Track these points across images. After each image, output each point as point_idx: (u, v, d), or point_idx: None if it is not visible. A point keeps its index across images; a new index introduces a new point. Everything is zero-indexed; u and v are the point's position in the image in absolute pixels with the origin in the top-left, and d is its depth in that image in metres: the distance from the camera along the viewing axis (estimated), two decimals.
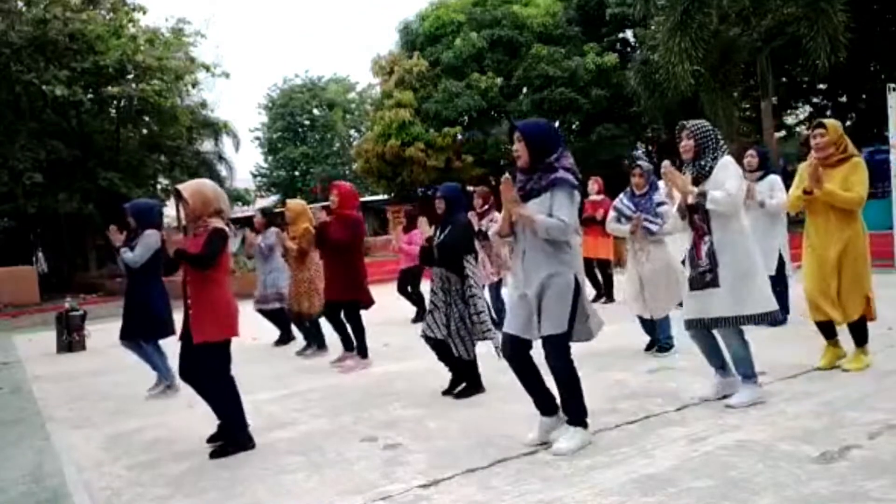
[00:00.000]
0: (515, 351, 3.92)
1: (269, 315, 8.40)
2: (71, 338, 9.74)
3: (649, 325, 6.20)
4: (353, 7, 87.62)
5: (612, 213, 6.23)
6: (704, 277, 4.30)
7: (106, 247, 24.88)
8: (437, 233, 5.44)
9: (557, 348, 3.79)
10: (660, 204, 5.95)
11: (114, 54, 20.28)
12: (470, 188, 8.22)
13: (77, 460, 4.56)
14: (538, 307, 3.80)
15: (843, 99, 23.73)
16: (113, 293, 17.84)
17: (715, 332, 4.49)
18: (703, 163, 4.33)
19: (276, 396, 5.86)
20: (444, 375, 5.43)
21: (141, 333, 6.24)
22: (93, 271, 22.95)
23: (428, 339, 5.34)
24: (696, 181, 4.30)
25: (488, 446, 4.00)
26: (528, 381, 4.00)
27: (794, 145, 24.09)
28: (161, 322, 6.16)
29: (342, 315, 6.64)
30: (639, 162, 6.34)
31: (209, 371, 4.32)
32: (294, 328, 8.17)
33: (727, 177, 4.22)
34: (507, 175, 3.81)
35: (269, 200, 38.38)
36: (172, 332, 5.93)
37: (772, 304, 4.32)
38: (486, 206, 7.86)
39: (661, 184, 6.35)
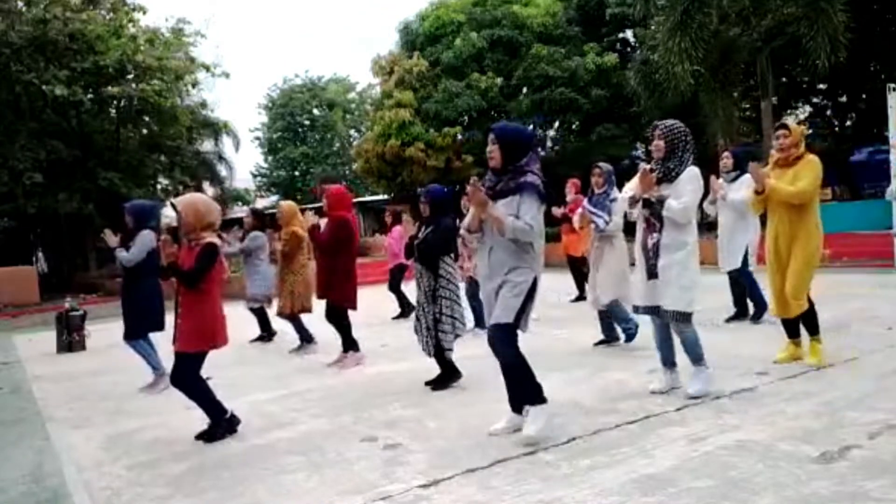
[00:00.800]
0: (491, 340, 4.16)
1: (253, 312, 8.71)
2: (71, 338, 9.75)
3: (606, 325, 6.68)
4: (353, 7, 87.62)
5: (578, 211, 6.87)
6: (653, 270, 4.62)
7: (106, 247, 24.90)
8: (421, 232, 5.64)
9: (505, 335, 4.05)
10: (613, 200, 6.39)
11: (114, 54, 20.27)
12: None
13: (77, 460, 4.56)
14: (495, 298, 4.09)
15: (843, 99, 23.71)
16: (113, 293, 17.82)
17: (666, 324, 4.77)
18: (670, 165, 4.57)
19: (276, 396, 5.86)
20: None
21: (142, 332, 6.44)
22: (93, 271, 22.94)
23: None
24: (660, 181, 4.55)
25: (488, 446, 4.00)
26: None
27: None
28: (154, 317, 6.37)
29: (325, 314, 6.78)
30: (598, 163, 6.84)
31: (184, 374, 4.63)
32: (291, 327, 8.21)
33: (689, 190, 4.50)
34: (474, 178, 4.08)
35: (269, 200, 38.42)
36: (162, 328, 6.29)
37: (691, 306, 4.59)
38: None
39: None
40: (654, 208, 4.58)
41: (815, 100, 24.25)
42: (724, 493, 3.10)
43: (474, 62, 25.34)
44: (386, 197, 28.83)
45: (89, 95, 21.43)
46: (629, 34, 25.55)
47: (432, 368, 5.73)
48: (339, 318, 6.74)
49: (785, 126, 5.29)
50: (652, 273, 4.63)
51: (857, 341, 5.88)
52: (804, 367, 5.14)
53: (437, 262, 5.53)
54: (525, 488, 3.37)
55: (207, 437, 4.62)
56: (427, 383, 5.64)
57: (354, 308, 6.77)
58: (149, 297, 6.40)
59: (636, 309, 4.91)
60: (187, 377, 4.63)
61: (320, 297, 6.77)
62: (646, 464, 3.53)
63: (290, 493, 3.62)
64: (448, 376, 5.63)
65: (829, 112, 24.03)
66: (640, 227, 4.77)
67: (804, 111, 24.83)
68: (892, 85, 10.98)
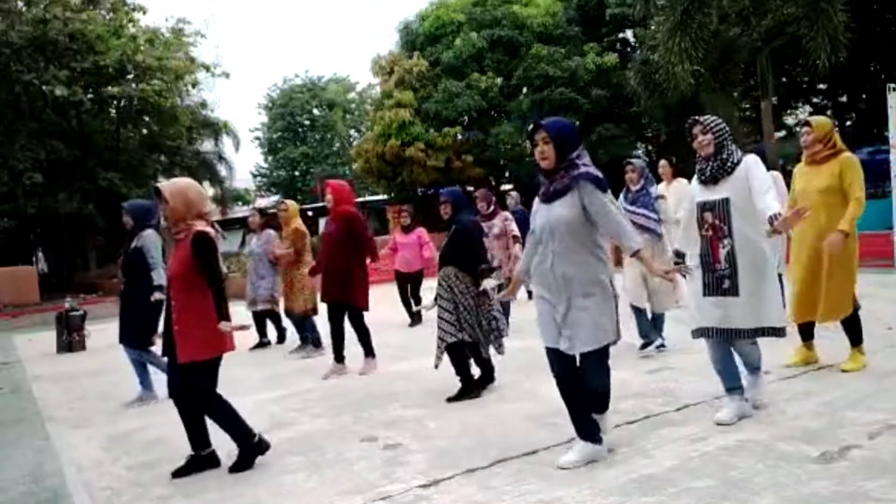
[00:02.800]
0: (561, 365, 3.67)
1: (264, 316, 8.42)
2: (71, 338, 9.75)
3: (645, 325, 6.20)
4: (353, 7, 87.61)
5: None
6: (722, 283, 4.00)
7: (106, 247, 24.95)
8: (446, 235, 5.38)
9: (599, 363, 3.62)
10: (657, 198, 5.97)
11: (114, 54, 20.29)
12: (471, 189, 8.15)
13: (77, 460, 4.56)
14: (564, 320, 3.56)
15: (843, 99, 23.72)
16: (113, 293, 17.82)
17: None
18: (724, 156, 4.03)
19: (276, 396, 5.86)
20: (444, 375, 5.41)
21: (138, 339, 6.01)
22: (93, 271, 22.95)
23: (447, 344, 5.18)
24: (716, 178, 4.02)
25: (488, 446, 4.00)
26: (572, 398, 3.71)
27: (794, 145, 24.08)
28: (145, 330, 5.90)
29: (346, 318, 6.41)
30: (630, 158, 6.36)
31: (198, 390, 3.98)
32: (293, 328, 8.19)
33: (762, 176, 3.91)
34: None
35: (270, 200, 38.38)
36: (149, 344, 5.91)
37: (783, 318, 4.11)
38: (491, 209, 7.75)
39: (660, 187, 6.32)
40: (717, 210, 4.01)
41: (815, 100, 24.24)
42: (724, 493, 3.09)
43: (474, 62, 25.34)
44: (386, 197, 28.81)
45: (89, 95, 21.45)
46: (629, 34, 25.55)
47: (432, 369, 5.71)
48: (360, 321, 6.40)
49: (807, 122, 4.96)
50: (724, 289, 3.99)
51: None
52: (804, 367, 5.14)
53: (471, 261, 5.16)
54: (525, 488, 3.37)
55: (240, 467, 4.00)
56: (450, 399, 5.17)
57: (367, 309, 6.45)
58: (150, 304, 5.87)
59: (703, 333, 4.14)
60: (203, 392, 3.97)
61: (333, 300, 6.34)
62: (646, 464, 3.53)
63: (290, 493, 3.62)
64: (480, 384, 5.30)
65: (829, 112, 24.01)
66: (699, 234, 4.13)
67: (804, 111, 24.81)
68: (892, 85, 10.97)
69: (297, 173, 42.98)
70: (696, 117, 4.18)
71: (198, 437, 4.06)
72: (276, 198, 39.24)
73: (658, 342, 6.16)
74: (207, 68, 23.52)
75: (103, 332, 10.14)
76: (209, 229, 3.96)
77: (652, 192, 6.01)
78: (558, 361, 3.66)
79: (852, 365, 4.96)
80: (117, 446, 4.81)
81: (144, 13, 22.07)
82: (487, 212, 7.70)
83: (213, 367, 3.98)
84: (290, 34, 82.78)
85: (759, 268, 3.97)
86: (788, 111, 24.32)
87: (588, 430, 3.66)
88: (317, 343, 7.69)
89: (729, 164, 4.01)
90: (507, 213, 7.96)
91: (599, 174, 3.58)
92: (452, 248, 5.24)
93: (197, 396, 3.98)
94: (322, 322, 7.56)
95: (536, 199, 3.78)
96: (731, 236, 3.97)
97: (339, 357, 6.48)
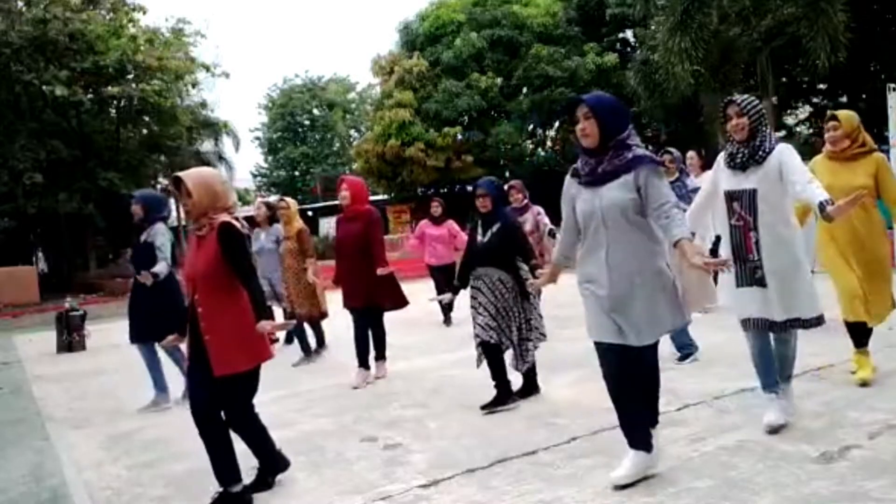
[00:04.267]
0: (616, 363, 3.39)
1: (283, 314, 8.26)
2: (71, 338, 9.74)
3: (682, 335, 5.67)
4: (353, 7, 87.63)
5: None
6: (755, 274, 3.83)
7: (106, 247, 24.97)
8: (481, 231, 4.97)
9: (654, 357, 3.42)
10: (694, 190, 5.47)
11: (114, 54, 20.29)
12: (507, 185, 7.49)
13: (77, 460, 4.56)
14: (622, 311, 3.29)
15: (843, 99, 23.69)
16: (113, 293, 17.83)
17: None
18: (757, 143, 3.78)
19: (277, 396, 5.84)
20: (443, 375, 5.41)
21: (149, 335, 5.65)
22: (93, 271, 22.97)
23: (483, 343, 4.86)
24: (746, 165, 3.80)
25: (488, 446, 4.00)
26: (625, 400, 3.44)
27: (794, 145, 24.01)
28: (169, 320, 5.75)
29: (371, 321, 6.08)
30: (668, 148, 5.86)
31: (235, 405, 3.51)
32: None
33: (799, 166, 3.70)
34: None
35: (270, 200, 38.39)
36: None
37: (817, 309, 3.86)
38: (526, 202, 7.38)
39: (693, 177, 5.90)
40: (744, 201, 3.81)
41: (815, 100, 24.23)
42: (724, 493, 3.09)
43: (474, 62, 25.36)
44: (386, 197, 28.82)
45: (89, 95, 21.46)
46: (629, 34, 25.56)
47: (432, 369, 5.72)
48: (381, 324, 6.14)
49: (835, 117, 4.64)
50: (757, 279, 3.82)
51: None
52: (805, 367, 5.13)
53: (513, 262, 4.84)
54: (525, 488, 3.37)
55: (259, 487, 3.65)
56: (484, 407, 4.81)
57: (405, 304, 6.15)
58: (166, 297, 5.57)
59: (749, 323, 3.94)
60: (240, 408, 3.50)
61: (363, 305, 5.96)
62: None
63: (290, 493, 3.62)
64: (530, 388, 5.02)
65: (829, 112, 24.01)
66: (729, 224, 3.92)
67: (804, 111, 24.82)
68: (892, 85, 10.96)
69: (297, 173, 43.01)
70: (732, 97, 3.92)
71: (228, 469, 3.50)
72: (275, 198, 39.28)
73: (695, 351, 5.71)
74: (207, 68, 23.53)
75: (103, 332, 10.15)
76: (235, 222, 3.53)
77: (688, 184, 5.60)
78: (612, 358, 3.36)
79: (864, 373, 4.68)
80: (117, 446, 4.80)
81: (144, 13, 22.08)
82: (522, 205, 7.31)
83: (254, 379, 3.51)
84: (290, 34, 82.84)
85: (786, 259, 3.77)
86: (788, 111, 24.30)
87: (641, 437, 3.38)
88: (307, 350, 7.31)
89: (760, 152, 3.77)
90: (538, 208, 7.51)
91: (654, 157, 3.33)
92: (497, 246, 4.83)
93: (233, 414, 3.50)
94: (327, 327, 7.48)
95: (570, 182, 3.45)
96: (756, 229, 3.79)
97: (364, 363, 6.10)
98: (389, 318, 6.25)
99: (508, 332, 4.83)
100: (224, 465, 3.48)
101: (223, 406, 3.47)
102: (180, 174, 3.50)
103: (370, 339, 6.10)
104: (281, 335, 8.37)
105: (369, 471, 3.82)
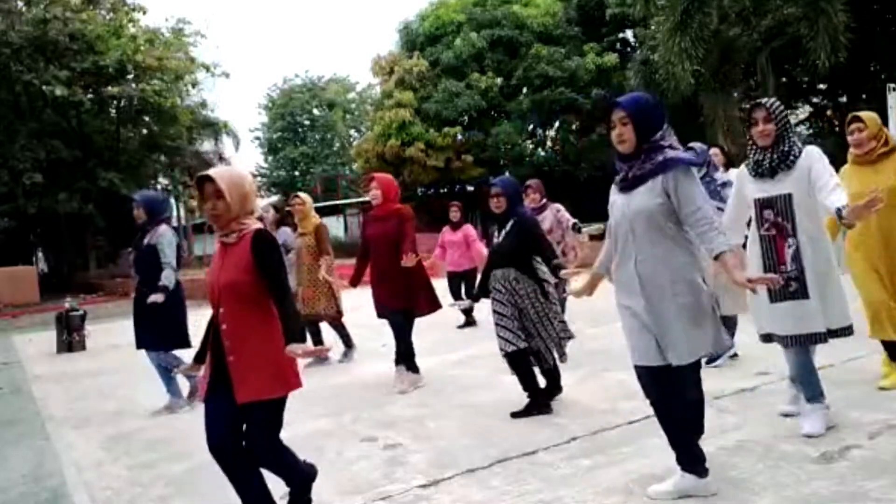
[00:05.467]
0: (657, 384, 3.16)
1: None
2: (71, 338, 9.75)
3: None
4: (353, 7, 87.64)
5: None
6: (789, 286, 3.64)
7: (106, 247, 24.95)
8: (497, 232, 4.81)
9: (692, 377, 3.15)
10: (724, 184, 5.24)
11: (114, 54, 20.31)
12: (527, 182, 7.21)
13: (77, 460, 4.56)
14: (655, 326, 3.08)
15: (843, 99, 23.71)
16: (113, 293, 17.85)
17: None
18: (785, 148, 3.65)
19: None
20: (443, 375, 5.41)
21: (160, 344, 5.58)
22: (93, 271, 22.98)
23: (507, 354, 4.66)
24: (776, 171, 3.66)
25: (488, 446, 3.99)
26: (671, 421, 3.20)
27: None
28: (179, 329, 5.54)
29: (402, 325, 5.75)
30: (690, 144, 5.77)
31: (259, 438, 3.05)
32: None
33: (826, 169, 3.57)
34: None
35: (270, 200, 38.40)
36: (189, 344, 5.45)
37: (849, 316, 3.73)
38: (544, 201, 7.20)
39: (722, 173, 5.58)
40: (778, 206, 3.64)
41: (815, 100, 24.24)
42: (724, 493, 3.09)
43: (474, 62, 25.37)
44: None
45: (89, 95, 21.48)
46: (629, 34, 25.56)
47: (432, 369, 5.72)
48: (408, 331, 5.76)
49: (859, 118, 4.36)
50: (791, 292, 3.64)
51: (856, 341, 5.87)
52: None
53: (531, 263, 4.67)
54: (525, 488, 3.37)
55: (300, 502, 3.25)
56: (514, 414, 4.62)
57: (438, 307, 5.82)
58: (170, 303, 5.43)
59: (779, 340, 3.78)
60: (268, 440, 3.07)
61: (398, 309, 5.64)
62: (646, 464, 3.53)
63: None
64: (548, 392, 4.80)
65: (829, 112, 24.01)
66: (758, 234, 3.76)
67: (804, 111, 24.82)
68: (892, 85, 10.99)
69: (297, 173, 43.00)
70: (761, 101, 3.78)
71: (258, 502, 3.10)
72: (276, 198, 39.25)
73: (730, 351, 5.47)
74: (207, 68, 23.54)
75: (103, 332, 10.15)
76: (266, 229, 3.13)
77: (718, 178, 5.39)
78: (651, 380, 3.14)
79: (891, 381, 4.50)
80: (117, 446, 4.80)
81: (144, 13, 22.14)
82: (539, 204, 7.10)
83: (281, 408, 3.08)
84: (290, 34, 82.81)
85: (825, 267, 3.65)
86: (788, 111, 24.28)
87: (689, 458, 3.15)
88: (350, 343, 7.20)
89: (791, 157, 3.62)
90: (557, 205, 7.29)
91: (693, 157, 3.08)
92: (513, 246, 4.67)
93: (259, 447, 3.05)
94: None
95: (613, 189, 3.26)
96: (795, 235, 3.62)
97: (413, 367, 5.81)
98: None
99: (540, 334, 4.64)
100: (254, 499, 3.08)
101: (247, 438, 3.03)
102: (211, 173, 3.01)
103: (412, 343, 5.76)
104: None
105: (369, 471, 3.82)
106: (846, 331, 3.72)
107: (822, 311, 3.63)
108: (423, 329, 8.39)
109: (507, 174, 5.38)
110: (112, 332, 8.32)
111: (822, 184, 3.53)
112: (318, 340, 7.20)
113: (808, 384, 3.85)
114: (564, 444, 3.93)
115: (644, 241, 3.07)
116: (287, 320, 2.90)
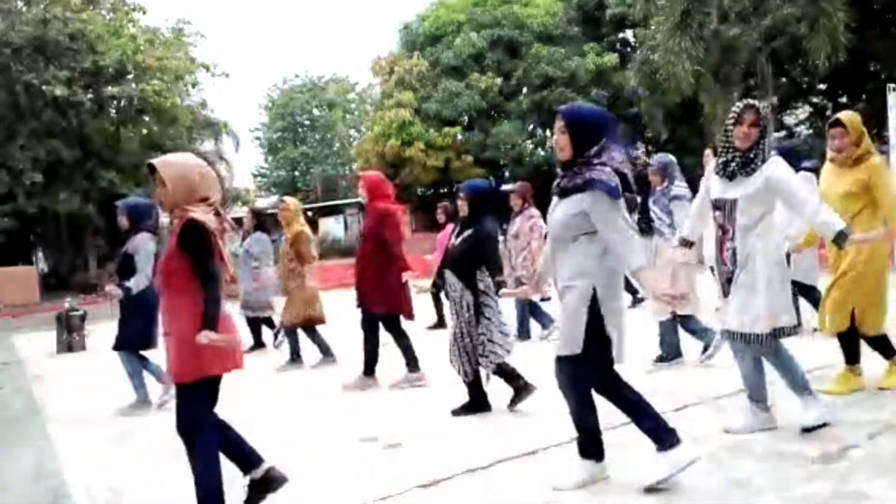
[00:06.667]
0: (558, 372, 3.43)
1: (260, 322, 8.17)
2: (71, 338, 9.75)
3: (672, 338, 5.77)
4: (353, 7, 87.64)
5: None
6: (730, 285, 3.80)
7: (106, 247, 24.95)
8: (454, 236, 4.93)
9: (561, 371, 3.38)
10: (674, 198, 5.50)
11: (114, 54, 20.32)
12: (507, 187, 7.60)
13: (77, 460, 4.55)
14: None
15: (843, 99, 23.71)
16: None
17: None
18: (751, 155, 3.68)
19: (276, 396, 5.85)
20: (444, 375, 5.40)
21: (129, 345, 5.78)
22: (93, 271, 22.95)
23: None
24: (734, 174, 3.72)
25: (488, 446, 3.99)
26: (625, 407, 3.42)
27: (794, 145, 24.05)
28: (142, 331, 5.66)
29: (382, 328, 5.80)
30: (649, 159, 5.85)
31: (181, 418, 3.16)
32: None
33: (793, 178, 3.68)
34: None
35: (270, 200, 38.39)
36: (153, 345, 5.60)
37: (765, 326, 3.72)
38: (525, 205, 7.29)
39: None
40: (724, 210, 3.77)
41: (815, 100, 24.24)
42: (724, 493, 3.09)
43: (474, 62, 25.38)
44: None
45: (89, 95, 21.48)
46: (629, 34, 25.57)
47: (432, 369, 5.71)
48: (397, 330, 5.76)
49: (839, 123, 4.34)
50: (729, 291, 3.80)
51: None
52: (804, 367, 5.12)
53: (473, 273, 4.71)
54: (525, 488, 3.37)
55: None
56: (453, 412, 4.82)
57: (411, 318, 5.84)
58: (147, 306, 5.44)
59: (726, 334, 3.97)
60: (188, 425, 3.15)
61: (366, 308, 5.74)
62: (646, 464, 3.52)
63: (290, 494, 3.61)
64: (477, 405, 4.84)
65: (829, 112, 24.00)
66: (714, 234, 3.91)
67: (804, 111, 24.82)
68: (892, 85, 10.96)
69: (297, 173, 42.99)
70: (755, 103, 3.79)
71: (245, 456, 3.32)
72: (275, 198, 39.25)
73: (711, 343, 5.62)
74: (207, 68, 23.54)
75: (103, 332, 10.14)
76: (206, 217, 3.15)
77: (671, 191, 5.57)
78: (556, 369, 3.42)
79: (890, 381, 4.47)
80: (117, 446, 4.80)
81: (144, 13, 22.14)
82: (520, 208, 7.24)
83: (202, 394, 3.12)
84: (290, 34, 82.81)
85: (757, 274, 3.68)
86: (788, 111, 24.31)
87: (581, 444, 3.44)
88: (296, 356, 7.08)
89: (752, 165, 3.68)
90: (533, 211, 7.29)
91: (614, 182, 3.16)
92: (462, 252, 4.77)
93: (180, 427, 3.15)
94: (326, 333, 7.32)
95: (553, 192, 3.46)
96: (733, 239, 3.74)
97: (370, 370, 5.85)
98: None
99: (455, 343, 4.76)
100: (238, 457, 3.30)
101: (177, 416, 3.16)
102: (154, 161, 3.20)
103: (376, 345, 5.82)
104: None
105: (369, 471, 3.81)
106: (747, 337, 3.75)
107: (741, 314, 3.72)
108: (423, 331, 8.38)
109: (478, 180, 5.44)
110: (112, 332, 8.25)
111: (801, 200, 3.66)
112: (319, 348, 7.11)
113: (747, 383, 3.96)
114: (564, 444, 3.92)
115: (560, 250, 3.32)
116: (205, 306, 3.02)
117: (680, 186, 5.61)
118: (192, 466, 3.18)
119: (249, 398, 5.67)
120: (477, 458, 3.80)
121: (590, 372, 3.32)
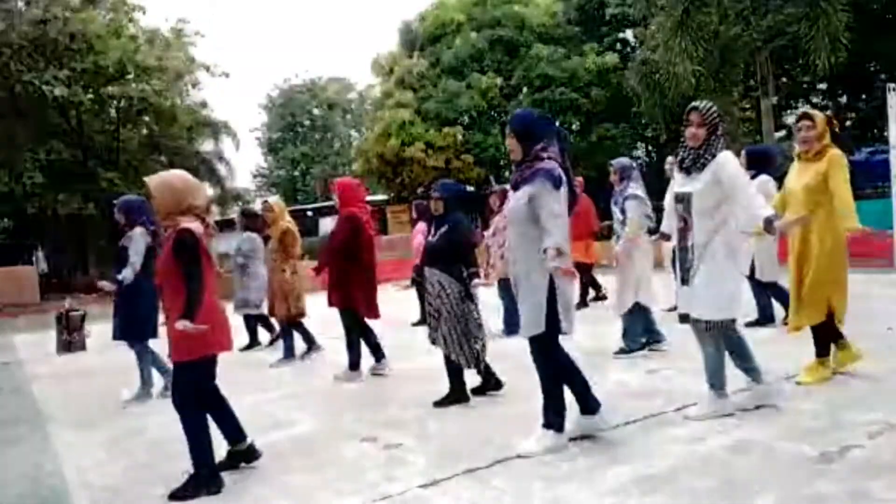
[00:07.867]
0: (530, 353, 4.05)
1: (255, 319, 8.38)
2: (71, 338, 9.74)
3: (636, 330, 6.22)
4: (353, 7, 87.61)
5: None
6: (687, 273, 4.14)
7: (106, 247, 24.95)
8: (432, 233, 5.19)
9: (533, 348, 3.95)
10: (627, 198, 5.96)
11: (114, 54, 20.32)
12: (493, 188, 7.97)
13: (77, 460, 4.56)
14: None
15: (843, 99, 23.73)
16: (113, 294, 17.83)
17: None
18: (701, 150, 4.06)
19: (276, 397, 5.86)
20: (444, 375, 5.40)
21: (129, 335, 6.07)
22: (93, 271, 22.96)
23: (435, 345, 5.14)
24: (690, 170, 4.10)
25: (488, 446, 4.00)
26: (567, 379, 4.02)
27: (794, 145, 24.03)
28: (147, 323, 5.96)
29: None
30: (612, 160, 6.39)
31: (175, 391, 3.81)
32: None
33: (735, 173, 3.99)
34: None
35: (272, 199, 38.34)
36: (155, 335, 5.93)
37: (719, 315, 4.05)
38: (503, 205, 7.21)
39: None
40: (684, 203, 4.13)
41: (815, 100, 24.23)
42: (724, 493, 3.10)
43: (474, 62, 25.35)
44: (386, 197, 28.82)
45: (89, 95, 21.47)
46: (629, 34, 25.54)
47: (431, 369, 5.70)
48: (350, 328, 6.14)
49: (808, 116, 4.69)
50: (687, 280, 4.15)
51: (856, 341, 5.88)
52: (804, 368, 5.12)
53: (456, 264, 4.97)
54: (525, 488, 3.37)
55: (181, 495, 3.65)
56: (435, 403, 5.03)
57: (374, 317, 6.16)
58: (142, 298, 5.87)
59: (685, 319, 4.27)
60: (181, 396, 3.76)
61: (333, 305, 6.13)
62: (646, 464, 3.53)
63: (290, 494, 3.62)
64: (492, 384, 5.17)
65: (828, 112, 24.03)
66: (676, 227, 4.28)
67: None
68: (892, 85, 10.95)
69: (297, 173, 43.02)
70: (697, 104, 4.11)
71: (232, 430, 4.01)
72: (274, 199, 39.23)
73: (626, 346, 6.16)
74: (207, 68, 23.54)
75: (103, 332, 10.13)
76: (194, 225, 3.70)
77: (628, 191, 5.98)
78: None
79: (808, 377, 4.72)
80: (117, 446, 4.80)
81: (144, 13, 22.16)
82: (498, 209, 7.51)
83: (197, 370, 3.74)
84: (290, 34, 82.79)
85: (713, 264, 4.02)
86: (788, 111, 24.30)
87: (546, 414, 3.94)
88: (289, 352, 7.32)
89: (702, 160, 4.05)
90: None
91: (557, 172, 3.72)
92: (441, 247, 5.04)
93: (174, 398, 3.78)
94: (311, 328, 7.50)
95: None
96: (692, 229, 4.09)
97: (354, 364, 6.20)
98: (388, 319, 6.24)
99: (446, 334, 4.96)
100: (227, 429, 3.98)
101: (173, 390, 3.85)
102: (145, 179, 3.87)
103: (353, 341, 6.16)
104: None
105: (369, 471, 3.82)
106: (706, 324, 4.08)
107: (700, 302, 4.07)
108: (419, 329, 8.38)
109: (448, 180, 5.79)
110: (112, 332, 8.28)
111: (738, 192, 3.96)
112: (305, 340, 7.52)
113: (705, 367, 4.25)
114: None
115: (513, 236, 3.93)
116: (186, 299, 3.60)
117: (634, 187, 6.04)
118: (185, 434, 3.72)
119: (248, 399, 5.68)
120: (477, 458, 3.80)
121: (553, 342, 3.87)
